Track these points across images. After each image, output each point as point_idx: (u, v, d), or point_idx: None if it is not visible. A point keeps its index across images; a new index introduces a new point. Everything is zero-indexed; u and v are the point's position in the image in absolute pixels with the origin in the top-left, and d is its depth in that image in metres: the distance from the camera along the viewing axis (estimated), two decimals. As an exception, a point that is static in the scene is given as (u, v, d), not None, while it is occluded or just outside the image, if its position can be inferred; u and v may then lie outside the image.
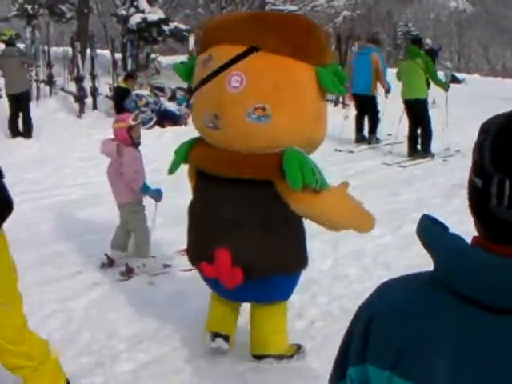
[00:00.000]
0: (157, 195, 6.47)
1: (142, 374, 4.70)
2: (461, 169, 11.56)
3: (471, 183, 1.33)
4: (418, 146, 12.85)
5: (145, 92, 16.47)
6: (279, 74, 4.19)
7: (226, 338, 4.85)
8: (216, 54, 4.26)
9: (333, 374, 1.56)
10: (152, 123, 15.15)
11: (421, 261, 7.01)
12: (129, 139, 6.37)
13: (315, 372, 4.73)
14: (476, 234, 1.34)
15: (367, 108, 13.91)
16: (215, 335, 4.84)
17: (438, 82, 12.68)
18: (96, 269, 6.66)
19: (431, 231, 1.36)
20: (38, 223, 8.11)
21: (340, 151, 13.41)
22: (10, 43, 14.26)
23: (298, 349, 4.95)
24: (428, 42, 33.02)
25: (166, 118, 15.44)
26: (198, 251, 4.65)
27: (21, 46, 16.59)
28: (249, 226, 4.37)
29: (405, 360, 1.29)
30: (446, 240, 1.31)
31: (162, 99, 16.65)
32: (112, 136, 6.50)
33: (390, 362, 1.32)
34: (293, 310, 5.70)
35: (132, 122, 6.38)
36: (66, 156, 11.90)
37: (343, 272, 6.66)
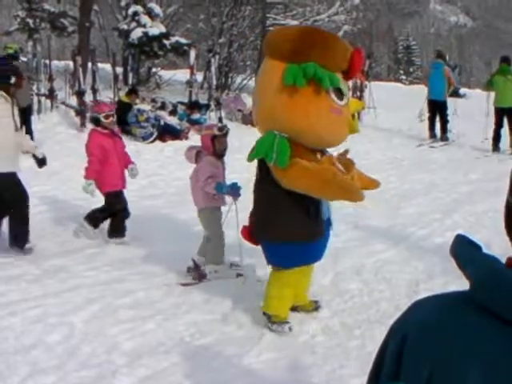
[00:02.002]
0: (233, 191, 6.42)
1: (143, 388, 4.70)
2: (461, 184, 11.58)
3: (508, 204, 1.34)
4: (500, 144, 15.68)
5: (146, 107, 16.51)
6: (262, 71, 5.60)
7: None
8: None
9: None
10: (153, 138, 15.19)
11: (420, 276, 7.03)
12: (211, 147, 6.58)
13: (316, 387, 4.74)
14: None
15: (439, 111, 16.85)
16: None
17: None
18: (97, 282, 6.66)
19: (465, 251, 1.35)
20: (40, 237, 8.10)
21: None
22: (14, 57, 14.29)
23: (282, 322, 5.60)
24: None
25: (166, 133, 15.46)
26: None
27: (23, 59, 16.62)
28: (257, 200, 5.58)
29: (438, 380, 1.28)
30: (481, 260, 1.30)
31: (162, 113, 16.67)
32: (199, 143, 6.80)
33: (423, 381, 1.30)
34: (293, 324, 5.71)
35: (216, 132, 6.60)
36: (68, 170, 11.90)
37: (344, 287, 6.66)
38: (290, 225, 5.32)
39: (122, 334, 5.52)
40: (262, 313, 5.72)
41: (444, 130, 16.94)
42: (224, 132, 6.64)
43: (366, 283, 6.73)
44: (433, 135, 17.05)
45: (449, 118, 16.91)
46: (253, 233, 5.64)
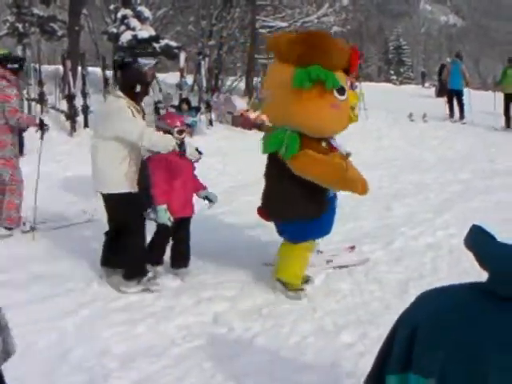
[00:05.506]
0: None
1: (135, 391, 4.69)
2: (451, 183, 11.60)
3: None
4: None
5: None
6: (271, 72, 6.76)
7: None
8: None
9: (368, 381, 1.56)
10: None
11: (411, 275, 7.01)
12: None
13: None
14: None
15: (457, 98, 21.77)
16: None
17: None
18: (89, 287, 6.64)
19: (482, 242, 1.36)
20: (32, 242, 8.07)
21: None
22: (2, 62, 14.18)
23: (298, 289, 6.42)
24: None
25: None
26: None
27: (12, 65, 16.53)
28: (269, 185, 6.43)
29: (452, 368, 1.28)
30: (500, 250, 1.31)
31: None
32: None
33: (435, 370, 1.30)
34: (285, 325, 5.71)
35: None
36: (58, 174, 11.87)
37: (335, 287, 6.66)
38: (301, 204, 6.14)
39: (114, 337, 5.50)
40: (277, 284, 6.47)
41: (461, 111, 21.73)
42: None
43: (357, 283, 6.74)
44: (452, 115, 22.00)
45: (464, 102, 21.34)
46: (267, 212, 6.50)
